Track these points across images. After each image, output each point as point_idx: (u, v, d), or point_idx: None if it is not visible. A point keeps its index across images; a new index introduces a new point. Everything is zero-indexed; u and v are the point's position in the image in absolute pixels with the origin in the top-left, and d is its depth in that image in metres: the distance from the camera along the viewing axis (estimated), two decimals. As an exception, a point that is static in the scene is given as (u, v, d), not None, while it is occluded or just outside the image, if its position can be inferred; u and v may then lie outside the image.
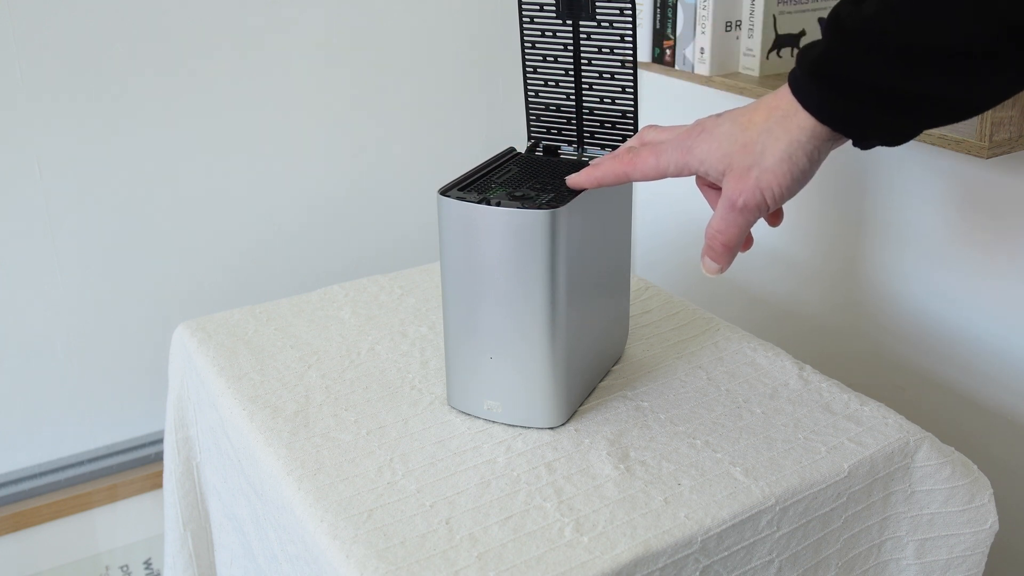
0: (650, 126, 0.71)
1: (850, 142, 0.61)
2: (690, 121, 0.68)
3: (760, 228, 1.18)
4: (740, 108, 0.63)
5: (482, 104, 1.50)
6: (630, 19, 0.77)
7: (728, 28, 1.20)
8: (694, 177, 0.69)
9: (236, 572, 0.91)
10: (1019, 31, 0.51)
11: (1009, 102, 0.87)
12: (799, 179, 0.61)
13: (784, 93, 0.60)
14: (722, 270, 0.66)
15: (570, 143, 0.85)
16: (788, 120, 0.60)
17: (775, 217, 0.69)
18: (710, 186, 0.69)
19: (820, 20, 1.23)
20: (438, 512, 0.69)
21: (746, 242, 0.68)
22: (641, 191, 1.53)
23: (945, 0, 0.52)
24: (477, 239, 0.73)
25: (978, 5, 0.51)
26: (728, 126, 0.63)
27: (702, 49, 1.20)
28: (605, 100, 0.82)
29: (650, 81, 1.46)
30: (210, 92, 1.29)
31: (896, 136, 0.59)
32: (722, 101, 1.32)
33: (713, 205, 0.70)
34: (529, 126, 0.86)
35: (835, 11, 0.58)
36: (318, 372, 0.88)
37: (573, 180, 0.73)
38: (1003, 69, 0.53)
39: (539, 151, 0.86)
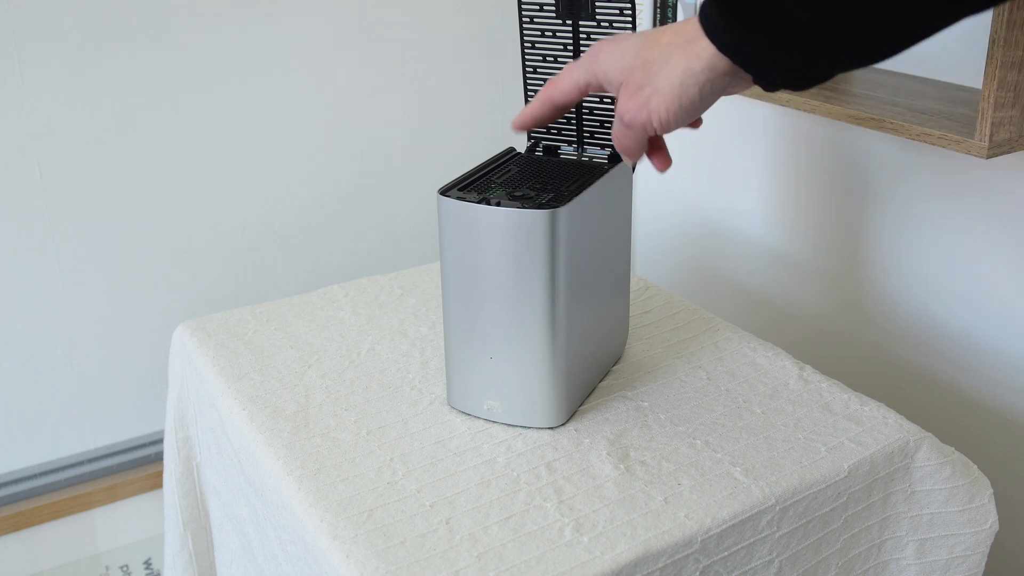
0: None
1: (752, 80, 0.60)
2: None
3: (760, 228, 1.18)
4: (656, 28, 0.64)
5: (482, 104, 1.50)
6: (630, 19, 0.77)
7: (728, 28, 1.20)
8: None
9: (236, 572, 0.91)
10: None
11: (1009, 102, 0.87)
12: (687, 109, 0.61)
13: (693, 19, 0.60)
14: (632, 161, 0.68)
15: (570, 143, 0.85)
16: (689, 46, 0.59)
17: (661, 159, 0.70)
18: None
19: None
20: (438, 512, 0.69)
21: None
22: (641, 191, 1.53)
23: None
24: (477, 239, 0.73)
25: None
26: (636, 40, 0.63)
27: (702, 49, 1.20)
28: (605, 100, 0.82)
29: (650, 81, 1.45)
30: (210, 92, 1.29)
31: (801, 78, 0.58)
32: (722, 101, 1.32)
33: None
34: (529, 126, 0.86)
35: None
36: (318, 372, 0.88)
37: (515, 123, 0.73)
38: (913, 5, 0.51)
39: (539, 151, 0.86)
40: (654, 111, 0.62)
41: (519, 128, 0.73)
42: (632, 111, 0.63)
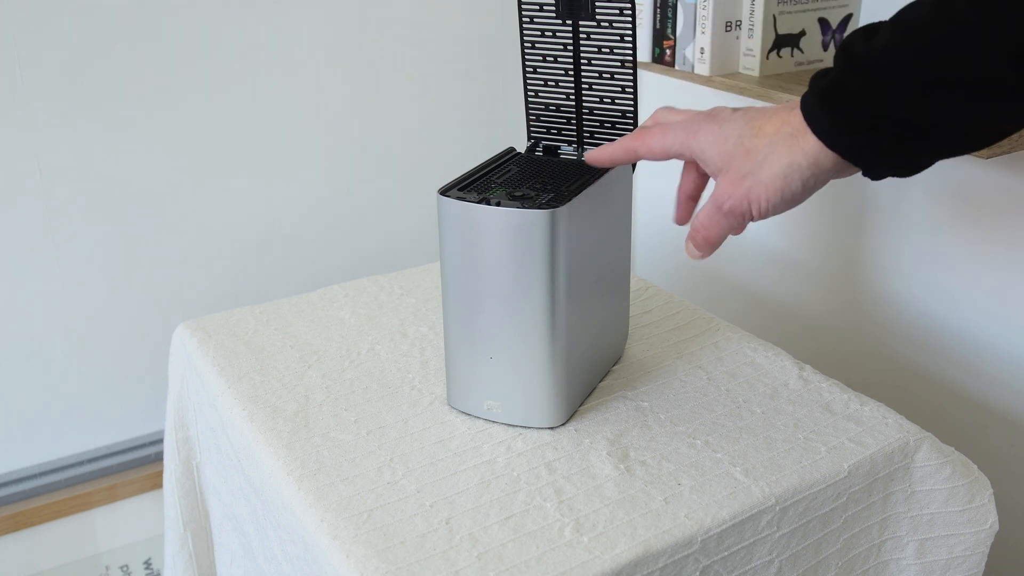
0: (665, 108, 0.72)
1: (859, 174, 0.61)
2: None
3: (759, 227, 1.18)
4: (757, 110, 0.64)
5: (482, 104, 1.50)
6: (630, 19, 0.77)
7: (728, 28, 1.20)
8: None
9: (236, 572, 0.91)
10: (1022, 61, 0.51)
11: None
12: (789, 200, 0.62)
13: (797, 111, 0.60)
14: (703, 257, 0.68)
15: (570, 143, 0.85)
16: (795, 140, 0.60)
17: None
18: (693, 163, 0.70)
19: (821, 20, 1.23)
20: (438, 512, 0.69)
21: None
22: (641, 190, 1.53)
23: (954, 31, 0.52)
24: (477, 239, 0.73)
25: (986, 35, 0.51)
26: (739, 125, 0.63)
27: (702, 49, 1.20)
28: (605, 100, 0.82)
29: (650, 81, 1.46)
30: (210, 92, 1.29)
31: (907, 167, 0.59)
32: (722, 101, 1.32)
33: (686, 179, 0.71)
34: (529, 126, 0.86)
35: (847, 41, 0.58)
36: (318, 372, 0.88)
37: (591, 157, 0.74)
38: (1014, 99, 0.53)
39: (539, 151, 0.86)
40: (755, 201, 0.62)
41: (592, 162, 0.74)
42: (734, 199, 0.62)
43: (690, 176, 0.71)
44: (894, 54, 0.55)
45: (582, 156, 0.84)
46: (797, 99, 0.61)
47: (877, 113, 0.56)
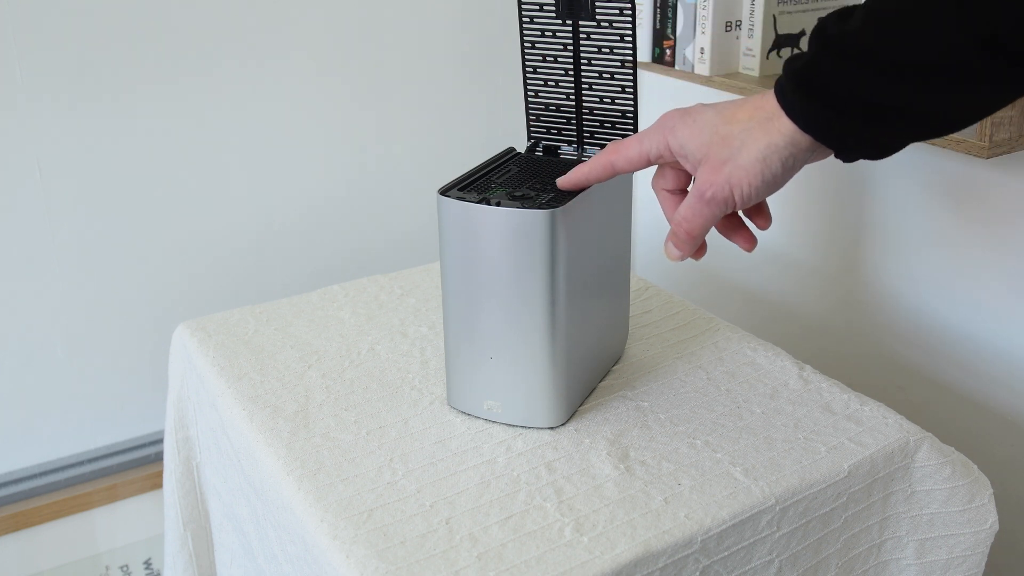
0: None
1: (832, 155, 0.61)
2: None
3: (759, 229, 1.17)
4: (727, 102, 0.64)
5: (482, 104, 1.50)
6: (630, 19, 0.77)
7: (728, 28, 1.20)
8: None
9: (236, 572, 0.91)
10: (994, 45, 0.51)
11: (1009, 102, 0.87)
12: (770, 183, 0.62)
13: (770, 96, 0.61)
14: (683, 258, 0.67)
15: (570, 143, 0.85)
16: (770, 123, 0.60)
17: (764, 219, 0.69)
18: (667, 190, 0.70)
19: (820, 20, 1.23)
20: (438, 512, 0.69)
21: (699, 250, 0.68)
22: (641, 190, 1.53)
23: (925, 15, 0.53)
24: (477, 239, 0.73)
25: (956, 20, 0.52)
26: (712, 115, 0.63)
27: (702, 49, 1.20)
28: (605, 100, 0.82)
29: (650, 81, 1.46)
30: (210, 92, 1.29)
31: (878, 150, 0.59)
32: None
33: (666, 207, 0.70)
34: (529, 126, 0.86)
35: (821, 23, 0.59)
36: (318, 372, 0.88)
37: (562, 182, 0.73)
38: (983, 84, 0.53)
39: (539, 151, 0.86)
40: (736, 186, 0.62)
41: (566, 188, 0.73)
42: (716, 186, 0.62)
43: (665, 195, 0.70)
44: (866, 37, 0.55)
45: (582, 156, 0.84)
46: (768, 89, 0.61)
47: (848, 96, 0.56)
